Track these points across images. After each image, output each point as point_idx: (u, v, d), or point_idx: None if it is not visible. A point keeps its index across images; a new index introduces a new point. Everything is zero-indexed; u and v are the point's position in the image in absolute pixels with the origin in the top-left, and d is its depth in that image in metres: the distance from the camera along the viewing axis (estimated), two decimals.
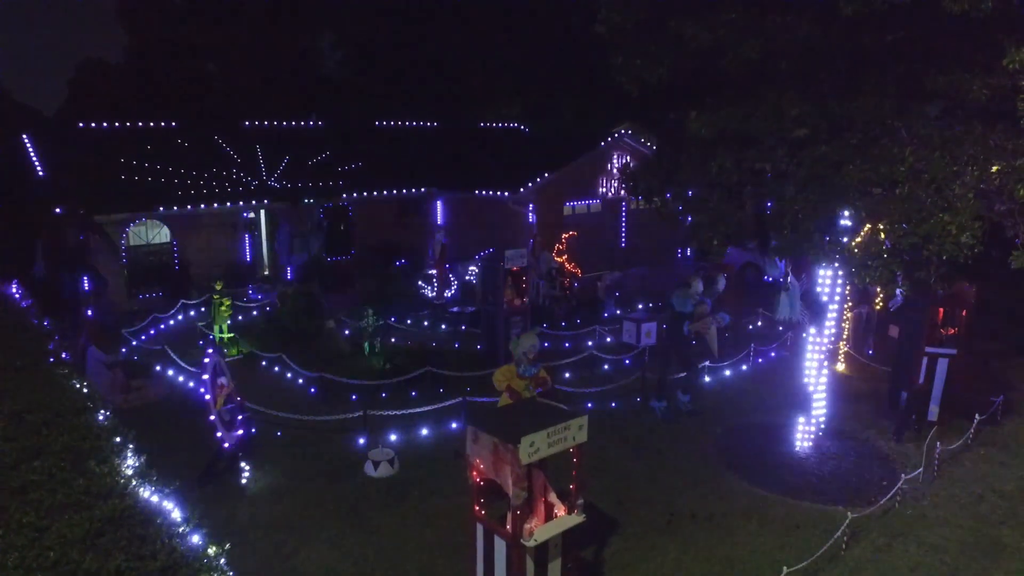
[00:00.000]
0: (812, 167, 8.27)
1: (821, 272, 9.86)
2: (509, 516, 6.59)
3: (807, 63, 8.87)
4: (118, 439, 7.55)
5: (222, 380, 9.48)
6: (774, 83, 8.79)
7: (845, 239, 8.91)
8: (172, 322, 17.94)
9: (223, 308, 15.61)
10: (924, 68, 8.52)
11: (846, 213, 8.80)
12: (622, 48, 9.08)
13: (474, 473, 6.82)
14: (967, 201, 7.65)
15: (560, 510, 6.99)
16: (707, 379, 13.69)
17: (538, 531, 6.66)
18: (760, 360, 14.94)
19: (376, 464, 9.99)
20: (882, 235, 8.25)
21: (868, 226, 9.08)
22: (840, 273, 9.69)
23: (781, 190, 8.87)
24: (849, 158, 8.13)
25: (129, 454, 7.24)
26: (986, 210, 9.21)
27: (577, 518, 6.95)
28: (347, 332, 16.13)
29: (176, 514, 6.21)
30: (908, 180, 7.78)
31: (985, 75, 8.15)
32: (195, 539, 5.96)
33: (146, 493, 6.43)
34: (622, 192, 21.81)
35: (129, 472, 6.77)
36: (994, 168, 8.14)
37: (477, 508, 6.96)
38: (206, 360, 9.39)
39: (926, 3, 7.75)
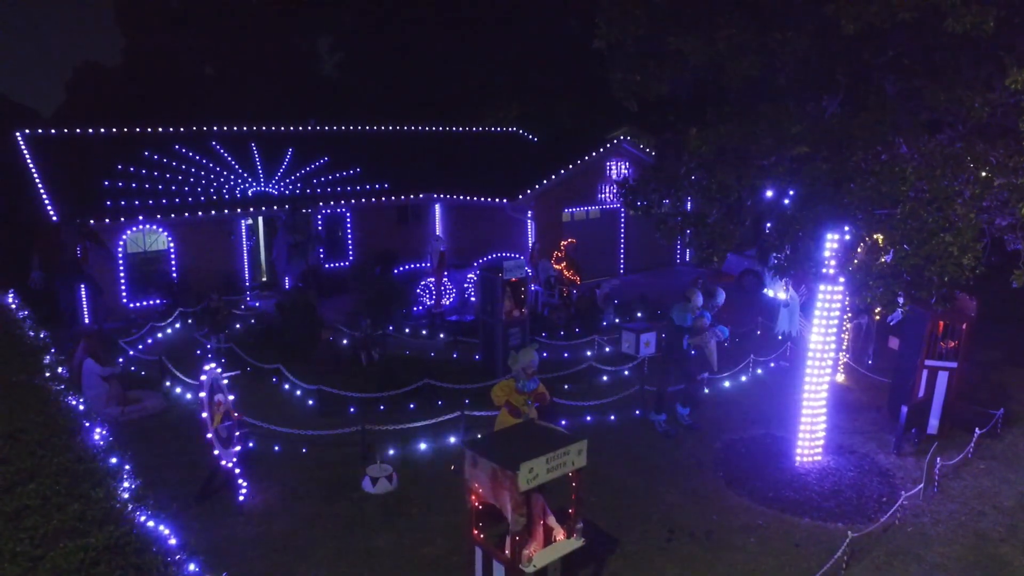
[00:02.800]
0: (812, 185, 8.23)
1: (822, 287, 9.83)
2: (508, 541, 6.56)
3: (807, 80, 8.82)
4: (114, 460, 7.50)
5: (219, 397, 9.42)
6: (774, 100, 8.75)
7: (840, 255, 8.89)
8: (170, 331, 17.86)
9: (220, 318, 15.55)
10: (925, 84, 8.49)
11: (846, 228, 8.77)
12: (621, 64, 9.04)
13: (473, 497, 6.79)
14: (969, 220, 7.62)
15: (559, 534, 6.96)
16: (706, 391, 13.64)
17: (537, 556, 6.62)
18: (759, 372, 14.90)
19: (374, 480, 9.93)
20: (882, 257, 8.22)
21: (864, 243, 9.05)
22: (841, 289, 9.66)
23: (782, 208, 8.83)
24: (850, 176, 8.10)
25: (125, 476, 7.19)
26: (987, 225, 9.19)
27: (576, 542, 6.92)
28: (344, 342, 16.07)
29: (173, 540, 6.16)
30: (910, 199, 7.75)
31: (986, 92, 8.12)
32: (192, 567, 5.92)
33: (143, 518, 6.38)
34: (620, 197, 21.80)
35: (125, 496, 6.72)
36: (995, 183, 8.11)
37: (476, 532, 6.92)
38: (203, 377, 9.33)
39: (928, 21, 7.72)
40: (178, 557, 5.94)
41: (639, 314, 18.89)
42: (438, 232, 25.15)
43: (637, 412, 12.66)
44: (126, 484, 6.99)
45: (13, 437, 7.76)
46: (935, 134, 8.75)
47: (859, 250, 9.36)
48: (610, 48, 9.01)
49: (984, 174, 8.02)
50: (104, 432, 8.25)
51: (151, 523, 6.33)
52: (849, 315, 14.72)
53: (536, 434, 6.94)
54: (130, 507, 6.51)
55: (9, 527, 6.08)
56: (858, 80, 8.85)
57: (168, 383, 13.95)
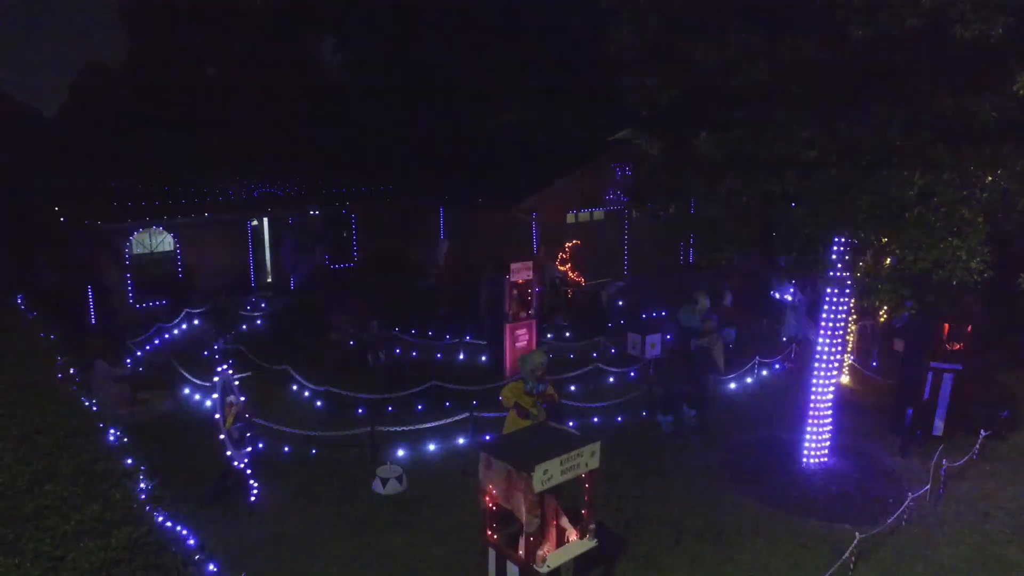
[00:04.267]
0: (821, 190, 8.30)
1: (828, 290, 9.90)
2: (522, 542, 6.63)
3: (816, 84, 8.89)
4: (130, 461, 7.58)
5: (231, 398, 9.50)
6: (783, 104, 8.82)
7: (848, 258, 8.96)
8: (176, 331, 17.93)
9: (228, 319, 15.61)
10: (933, 89, 8.56)
11: (854, 232, 8.84)
12: (632, 68, 9.11)
13: (487, 498, 6.86)
14: (976, 225, 7.70)
15: (572, 535, 7.03)
16: (713, 393, 13.70)
17: (551, 557, 6.70)
18: (765, 374, 14.96)
19: (384, 481, 10.01)
20: (887, 261, 8.29)
21: (872, 247, 9.12)
22: (848, 292, 9.73)
23: (791, 212, 8.90)
24: (859, 181, 8.17)
25: (141, 477, 7.27)
26: (992, 228, 9.26)
27: (589, 543, 7.00)
28: (351, 343, 16.13)
29: (191, 541, 6.24)
30: (918, 203, 7.82)
31: (994, 97, 8.19)
32: (211, 567, 6.00)
33: (160, 518, 6.46)
34: (624, 200, 21.85)
35: (142, 496, 6.80)
36: (1002, 187, 8.19)
37: (490, 533, 6.99)
38: (216, 379, 9.41)
39: (936, 28, 7.78)
40: (197, 557, 6.02)
41: (643, 316, 18.96)
42: (443, 234, 25.21)
43: (644, 413, 12.73)
44: (142, 485, 7.08)
45: (29, 438, 7.84)
46: (942, 139, 8.81)
47: (867, 254, 9.43)
48: (621, 52, 9.09)
49: (990, 179, 8.09)
50: (118, 433, 8.34)
51: (169, 523, 6.42)
52: (854, 317, 14.79)
53: (550, 436, 7.01)
54: (148, 507, 6.60)
55: (29, 527, 6.16)
56: (865, 85, 8.92)
57: (176, 384, 14.01)
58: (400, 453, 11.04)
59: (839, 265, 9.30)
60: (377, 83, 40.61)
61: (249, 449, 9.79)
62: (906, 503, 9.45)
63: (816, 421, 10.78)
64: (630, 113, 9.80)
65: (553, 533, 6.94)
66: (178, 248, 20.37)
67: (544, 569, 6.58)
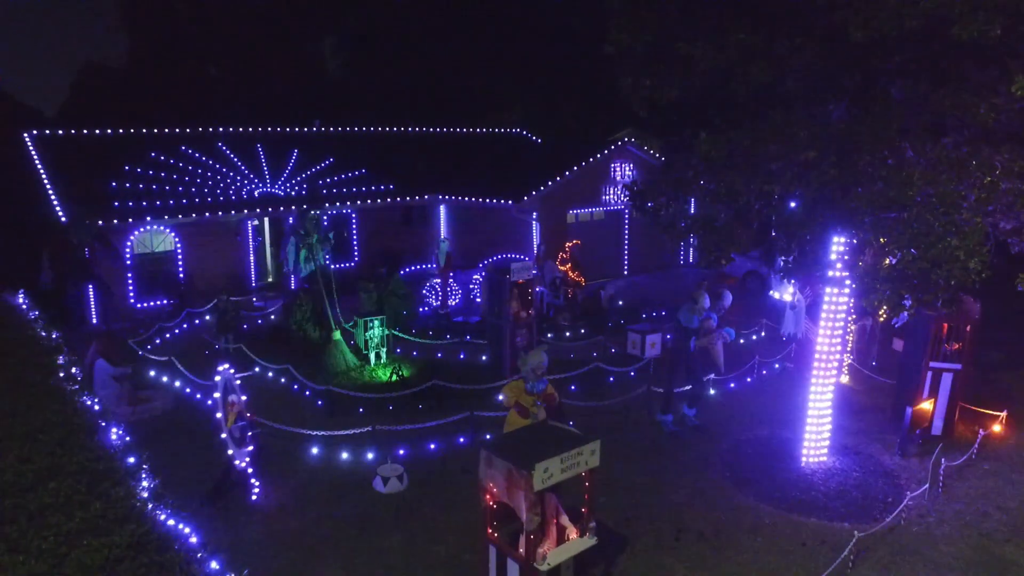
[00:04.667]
0: (820, 189, 8.34)
1: (828, 290, 9.94)
2: (523, 540, 6.67)
3: (815, 85, 8.93)
4: (132, 459, 7.61)
5: (232, 397, 9.53)
6: (782, 105, 8.86)
7: (847, 258, 8.99)
8: (177, 331, 17.97)
9: (229, 319, 15.64)
10: (931, 90, 8.59)
11: (853, 232, 8.88)
12: (631, 69, 9.15)
13: (487, 496, 6.90)
14: (975, 225, 7.73)
15: (572, 533, 7.07)
16: (712, 392, 13.74)
17: (551, 555, 6.73)
18: (764, 373, 15.00)
19: (385, 480, 10.04)
20: (886, 261, 8.32)
21: (871, 246, 9.15)
22: (847, 292, 9.76)
23: (790, 212, 8.94)
24: (857, 181, 8.20)
25: (143, 475, 7.31)
26: (991, 228, 9.29)
27: (589, 541, 7.03)
28: (352, 342, 16.17)
29: (194, 539, 6.27)
30: (916, 203, 7.86)
31: (992, 98, 8.22)
32: (213, 565, 6.03)
33: (162, 516, 6.49)
34: (625, 198, 21.88)
35: (145, 495, 6.83)
36: (1000, 187, 8.22)
37: (490, 531, 7.03)
38: (217, 378, 9.44)
39: (935, 28, 7.82)
40: (199, 555, 6.05)
41: (643, 315, 19.01)
42: (443, 233, 25.25)
43: (644, 412, 12.75)
44: (144, 483, 7.11)
45: (32, 437, 7.87)
46: (941, 139, 8.85)
47: (866, 254, 9.46)
48: (620, 53, 9.12)
49: (989, 179, 8.13)
50: (121, 432, 8.37)
51: (171, 522, 6.45)
52: (853, 317, 14.82)
53: (550, 434, 7.05)
54: (150, 506, 6.63)
55: (33, 525, 6.20)
56: (865, 86, 8.95)
57: (177, 383, 14.06)
58: (401, 452, 11.07)
59: (839, 265, 9.33)
60: (377, 82, 40.77)
61: (250, 448, 9.82)
62: (905, 502, 9.49)
63: (816, 421, 10.81)
64: (630, 113, 9.83)
65: (553, 531, 6.97)
66: (179, 248, 20.40)
67: (544, 567, 6.61)
